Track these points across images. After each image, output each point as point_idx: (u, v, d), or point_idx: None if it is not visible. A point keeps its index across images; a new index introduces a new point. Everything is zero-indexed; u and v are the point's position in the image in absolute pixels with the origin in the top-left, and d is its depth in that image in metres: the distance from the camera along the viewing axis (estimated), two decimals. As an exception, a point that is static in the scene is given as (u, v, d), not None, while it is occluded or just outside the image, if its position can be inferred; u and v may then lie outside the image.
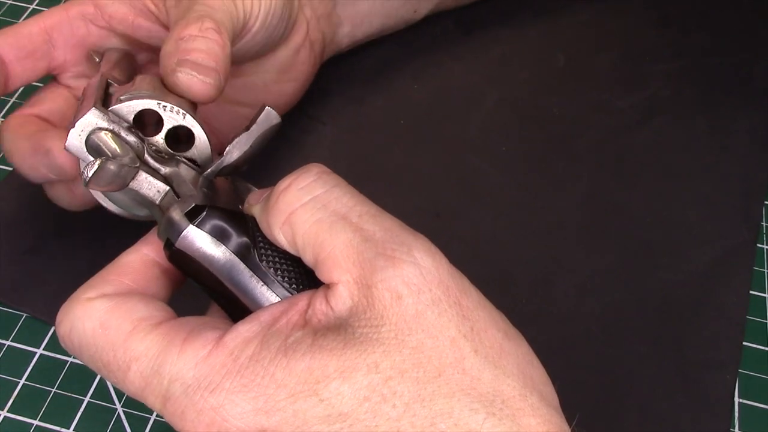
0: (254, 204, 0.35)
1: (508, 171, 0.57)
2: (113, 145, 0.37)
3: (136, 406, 0.45)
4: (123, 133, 0.37)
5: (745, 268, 0.52)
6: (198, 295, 0.36)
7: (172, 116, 0.39)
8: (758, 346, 0.50)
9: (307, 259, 0.33)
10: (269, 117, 0.39)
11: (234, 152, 0.39)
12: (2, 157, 0.55)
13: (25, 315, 0.49)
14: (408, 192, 0.55)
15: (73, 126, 0.37)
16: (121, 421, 0.45)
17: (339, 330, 0.30)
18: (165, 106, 0.39)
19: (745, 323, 0.50)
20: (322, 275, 0.32)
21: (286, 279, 0.34)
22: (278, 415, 0.30)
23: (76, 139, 0.37)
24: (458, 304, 0.31)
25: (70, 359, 0.47)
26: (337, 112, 0.60)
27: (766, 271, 0.54)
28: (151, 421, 0.45)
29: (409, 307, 0.30)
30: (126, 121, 0.39)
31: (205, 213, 0.34)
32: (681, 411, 0.46)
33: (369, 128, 0.59)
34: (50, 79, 0.49)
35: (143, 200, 0.37)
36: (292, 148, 0.56)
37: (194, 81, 0.40)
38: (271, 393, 0.30)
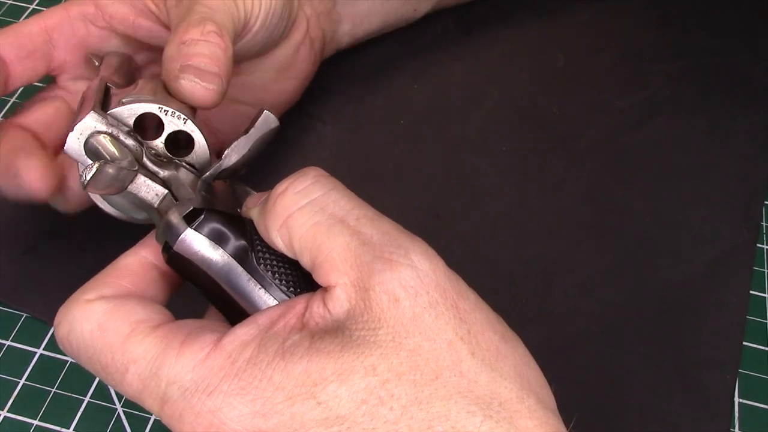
0: (252, 207, 0.35)
1: (508, 171, 0.57)
2: (112, 149, 0.37)
3: (136, 406, 0.46)
4: (122, 137, 0.37)
5: (745, 268, 0.52)
6: (196, 298, 0.36)
7: (173, 121, 0.40)
8: (758, 346, 0.50)
9: (305, 262, 0.33)
10: (268, 120, 0.39)
11: (232, 156, 0.39)
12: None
13: (25, 315, 0.49)
14: (408, 192, 0.55)
15: (72, 129, 0.37)
16: (121, 421, 0.45)
17: (336, 333, 0.30)
18: (166, 111, 0.39)
19: (745, 323, 0.50)
20: (320, 278, 0.32)
21: (283, 282, 0.34)
22: (276, 418, 0.30)
23: (74, 142, 0.37)
24: (455, 306, 0.31)
25: (70, 359, 0.47)
26: (337, 111, 0.60)
27: (766, 271, 0.54)
28: (151, 421, 0.45)
29: (406, 310, 0.30)
30: (125, 124, 0.39)
31: (203, 216, 0.34)
32: (681, 411, 0.46)
33: (369, 128, 0.59)
34: (49, 81, 0.49)
35: (142, 203, 0.37)
36: (291, 147, 0.56)
37: (197, 88, 0.40)
38: (269, 396, 0.30)
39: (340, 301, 0.31)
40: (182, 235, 0.34)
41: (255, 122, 0.39)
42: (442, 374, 0.30)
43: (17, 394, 0.46)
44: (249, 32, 0.46)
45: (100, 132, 0.37)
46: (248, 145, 0.39)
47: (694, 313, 0.50)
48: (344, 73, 0.61)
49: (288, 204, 0.33)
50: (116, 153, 0.37)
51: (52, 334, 0.48)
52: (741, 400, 0.48)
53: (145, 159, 0.38)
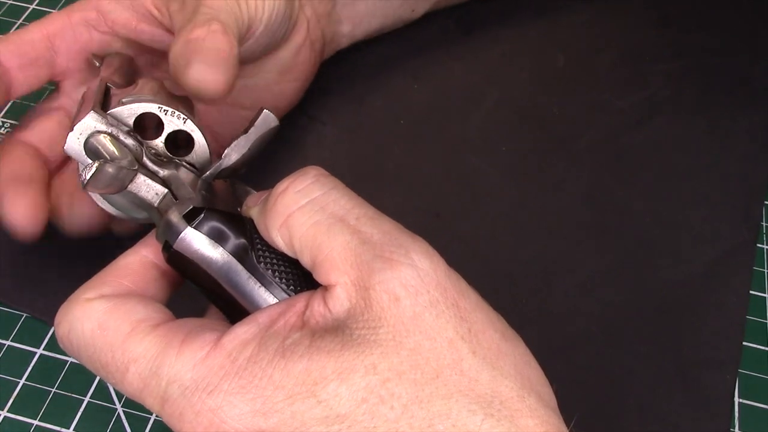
0: (252, 206, 0.36)
1: (508, 171, 0.57)
2: (111, 148, 0.37)
3: (136, 406, 0.46)
4: (122, 137, 0.38)
5: (745, 268, 0.52)
6: (196, 298, 0.36)
7: (173, 120, 0.40)
8: (758, 346, 0.50)
9: (305, 261, 0.33)
10: (267, 120, 0.39)
11: (232, 155, 0.39)
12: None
13: (25, 315, 0.49)
14: (408, 192, 0.55)
15: (72, 129, 0.37)
16: (121, 421, 0.45)
17: (337, 332, 0.30)
18: (166, 110, 0.39)
19: (745, 323, 0.50)
20: (320, 277, 0.32)
21: (283, 281, 0.34)
22: (276, 417, 0.30)
23: (74, 142, 0.38)
24: (456, 305, 0.31)
25: (70, 359, 0.47)
26: (336, 112, 0.60)
27: (766, 271, 0.54)
28: (150, 421, 0.45)
29: (406, 308, 0.30)
30: (125, 124, 0.39)
31: (203, 215, 0.35)
32: (681, 411, 0.46)
33: (369, 128, 0.59)
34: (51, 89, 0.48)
35: (142, 203, 0.37)
36: (291, 147, 0.56)
37: (206, 77, 0.40)
38: (269, 394, 0.30)
39: (340, 300, 0.31)
40: (182, 234, 0.34)
41: (255, 122, 0.39)
42: (443, 373, 0.30)
43: (17, 394, 0.46)
44: (252, 35, 0.46)
45: (100, 132, 0.37)
46: (248, 144, 0.39)
47: (694, 313, 0.50)
48: (344, 73, 0.61)
49: (288, 203, 0.33)
50: (116, 152, 0.37)
51: (52, 334, 0.48)
52: (741, 400, 0.48)
53: (145, 158, 0.38)
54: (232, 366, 0.31)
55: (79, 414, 0.45)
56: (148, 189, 0.37)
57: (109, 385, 0.46)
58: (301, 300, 0.32)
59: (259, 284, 0.34)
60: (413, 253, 0.31)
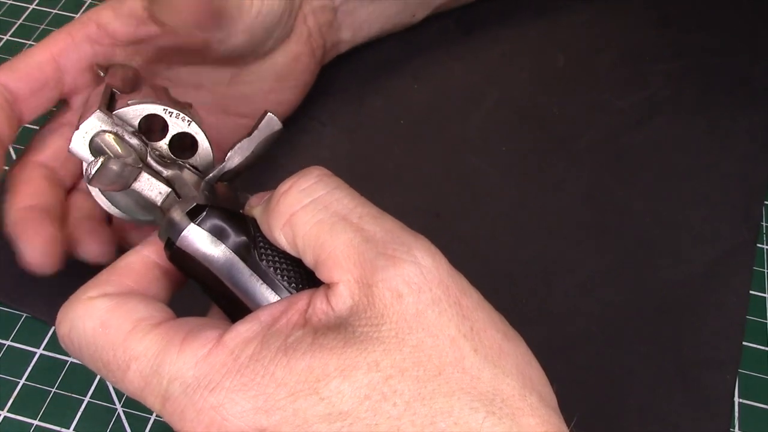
0: (255, 206, 0.36)
1: (508, 171, 0.57)
2: (116, 147, 0.37)
3: (136, 406, 0.46)
4: (126, 136, 0.38)
5: (745, 268, 0.52)
6: (198, 297, 0.36)
7: (177, 122, 0.40)
8: (758, 346, 0.50)
9: (308, 260, 0.33)
10: (271, 123, 0.39)
11: (235, 158, 0.39)
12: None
13: (25, 315, 0.49)
14: (408, 192, 0.55)
15: (77, 128, 0.38)
16: (121, 421, 0.45)
17: (339, 329, 0.30)
18: (171, 112, 0.40)
19: (745, 323, 0.50)
20: (323, 276, 0.32)
21: (285, 278, 0.34)
22: (278, 414, 0.30)
23: (79, 141, 0.38)
24: (458, 303, 0.31)
25: (70, 359, 0.47)
26: (336, 112, 0.60)
27: (766, 271, 0.54)
28: (151, 421, 0.45)
29: (409, 306, 0.30)
30: (130, 125, 0.39)
31: (205, 213, 0.35)
32: (681, 411, 0.46)
33: (369, 128, 0.59)
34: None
35: (145, 202, 0.37)
36: (291, 148, 0.56)
37: None
38: (271, 392, 0.30)
39: (343, 297, 0.31)
40: (185, 231, 0.34)
41: (258, 125, 0.39)
42: (445, 370, 0.30)
43: (17, 394, 0.46)
44: (238, 28, 0.47)
45: (105, 131, 0.37)
46: (251, 147, 0.39)
47: (694, 313, 0.50)
48: (344, 74, 0.61)
49: (292, 202, 0.33)
50: (120, 151, 0.37)
51: (52, 334, 0.48)
52: (741, 400, 0.48)
53: (149, 159, 0.38)
54: (234, 363, 0.31)
55: (79, 414, 0.45)
56: (152, 188, 0.37)
57: (109, 385, 0.46)
58: (303, 298, 0.32)
59: (261, 282, 0.34)
60: (416, 251, 0.31)
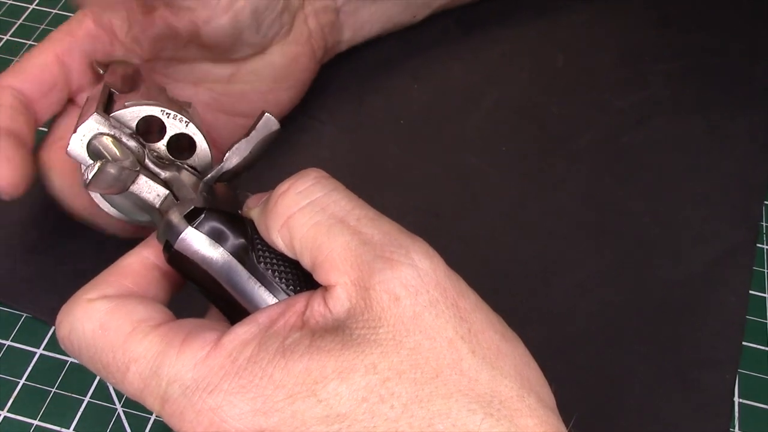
0: (253, 207, 0.36)
1: (507, 171, 0.57)
2: (114, 150, 0.37)
3: (136, 406, 0.46)
4: (124, 139, 0.38)
5: (744, 268, 0.52)
6: (197, 298, 0.36)
7: (175, 123, 0.40)
8: (758, 346, 0.50)
9: (305, 262, 0.33)
10: (268, 123, 0.39)
11: (233, 158, 0.39)
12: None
13: (25, 315, 0.49)
14: (407, 192, 0.55)
15: (75, 131, 0.38)
16: (121, 421, 0.45)
17: (337, 331, 0.31)
18: (168, 113, 0.40)
19: (745, 323, 0.50)
20: (320, 278, 0.32)
21: (283, 281, 0.34)
22: (277, 416, 0.30)
23: (77, 144, 0.38)
24: (456, 305, 0.31)
25: (70, 359, 0.47)
26: (336, 112, 0.60)
27: (766, 271, 0.54)
28: (151, 421, 0.45)
29: (406, 308, 0.30)
30: (128, 127, 0.39)
31: (203, 215, 0.35)
32: (681, 411, 0.46)
33: (368, 128, 0.59)
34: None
35: (143, 204, 0.37)
36: (290, 147, 0.56)
37: None
38: (270, 394, 0.30)
39: (340, 300, 0.31)
40: (183, 234, 0.34)
41: (256, 125, 0.39)
42: (443, 372, 0.30)
43: (17, 394, 0.46)
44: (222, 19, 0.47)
45: (102, 134, 0.38)
46: (249, 147, 0.39)
47: (694, 313, 0.50)
48: (343, 73, 0.61)
49: (289, 204, 0.33)
50: (118, 154, 0.37)
51: (52, 334, 0.48)
52: (741, 400, 0.48)
53: (147, 160, 0.38)
54: (233, 366, 0.31)
55: (79, 414, 0.45)
56: (150, 190, 0.37)
57: (109, 385, 0.46)
58: (301, 300, 0.32)
59: (259, 284, 0.34)
60: (413, 254, 0.31)
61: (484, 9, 0.66)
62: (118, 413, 0.45)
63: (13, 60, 0.63)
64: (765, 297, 0.52)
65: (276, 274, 0.34)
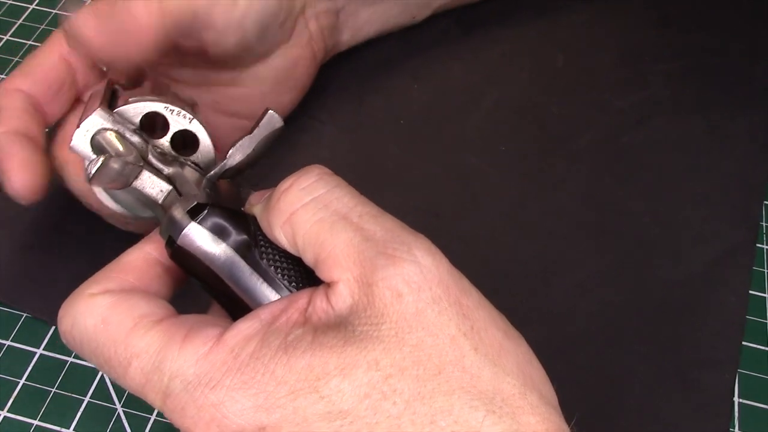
0: (255, 204, 0.36)
1: (507, 171, 0.57)
2: (117, 145, 0.37)
3: (136, 406, 0.45)
4: (127, 134, 0.38)
5: (744, 268, 0.52)
6: (199, 294, 0.36)
7: (179, 120, 0.40)
8: (758, 346, 0.50)
9: (308, 258, 0.33)
10: (272, 120, 0.39)
11: (236, 155, 0.39)
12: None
13: (25, 315, 0.49)
14: (407, 192, 0.55)
15: (78, 126, 0.38)
16: (121, 421, 0.45)
17: (339, 328, 0.31)
18: (172, 110, 0.40)
19: (745, 323, 0.50)
20: (323, 274, 0.32)
21: (286, 277, 0.34)
22: (278, 412, 0.30)
23: (81, 139, 0.38)
24: (458, 303, 0.31)
25: (70, 359, 0.47)
26: (336, 111, 0.60)
27: (766, 271, 0.54)
28: (151, 421, 0.45)
29: (409, 305, 0.30)
30: (131, 122, 0.39)
31: (206, 211, 0.35)
32: (680, 411, 0.46)
33: (368, 128, 0.59)
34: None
35: (146, 200, 0.38)
36: (290, 147, 0.56)
37: None
38: (272, 390, 0.30)
39: (343, 296, 0.31)
40: (185, 230, 0.34)
41: (259, 122, 0.39)
42: (445, 369, 0.30)
43: (17, 394, 0.46)
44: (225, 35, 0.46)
45: (106, 129, 0.38)
46: (252, 144, 0.39)
47: (694, 313, 0.50)
48: (343, 73, 0.61)
49: (292, 201, 0.33)
50: (121, 149, 0.37)
51: (53, 334, 0.48)
52: (741, 400, 0.48)
53: (150, 156, 0.38)
54: (235, 361, 0.31)
55: (79, 414, 0.45)
56: (153, 185, 0.37)
57: (109, 385, 0.46)
58: (303, 296, 0.32)
59: (261, 280, 0.34)
60: (416, 250, 0.31)
61: (484, 9, 0.66)
62: (118, 413, 0.45)
63: (13, 60, 0.63)
64: (765, 297, 0.52)
65: (278, 270, 0.34)
